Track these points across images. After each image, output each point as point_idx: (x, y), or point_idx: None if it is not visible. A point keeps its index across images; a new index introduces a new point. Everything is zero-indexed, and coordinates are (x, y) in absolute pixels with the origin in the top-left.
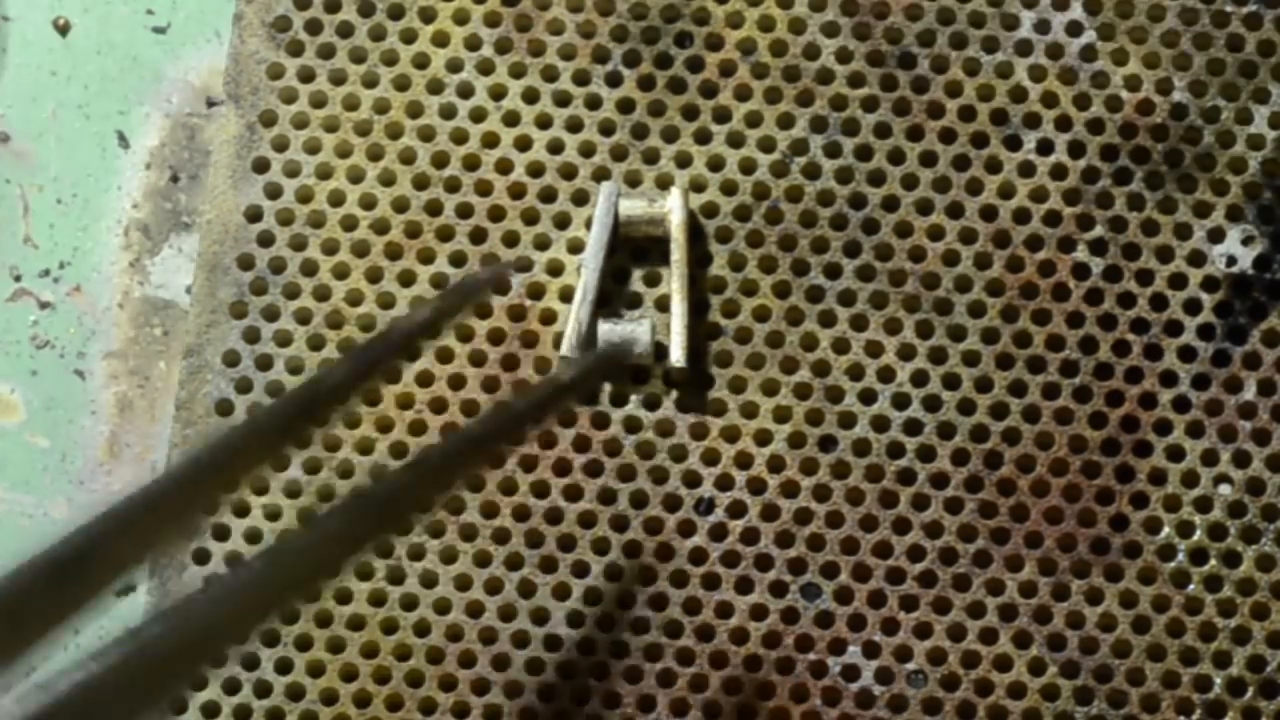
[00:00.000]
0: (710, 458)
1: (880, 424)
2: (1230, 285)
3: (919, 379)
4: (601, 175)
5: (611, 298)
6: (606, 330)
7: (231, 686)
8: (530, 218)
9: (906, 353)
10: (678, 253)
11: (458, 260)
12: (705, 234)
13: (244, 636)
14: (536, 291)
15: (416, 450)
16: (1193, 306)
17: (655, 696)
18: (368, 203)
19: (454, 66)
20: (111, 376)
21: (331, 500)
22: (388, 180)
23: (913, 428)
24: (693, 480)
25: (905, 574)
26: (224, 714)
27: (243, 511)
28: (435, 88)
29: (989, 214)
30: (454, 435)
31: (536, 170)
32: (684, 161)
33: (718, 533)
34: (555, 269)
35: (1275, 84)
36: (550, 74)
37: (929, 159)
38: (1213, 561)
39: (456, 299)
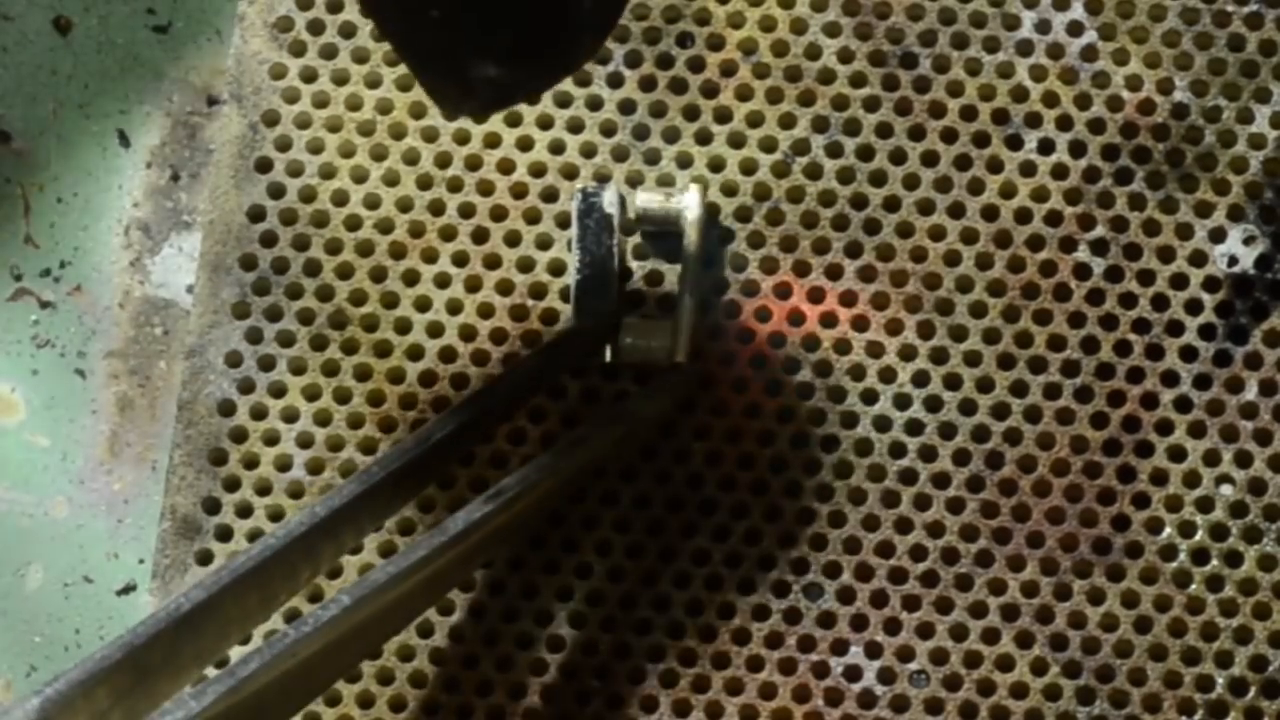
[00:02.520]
0: (713, 458)
1: (882, 424)
2: (1232, 285)
3: (920, 379)
4: (603, 176)
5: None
6: (630, 330)
7: None
8: (532, 217)
9: (908, 353)
10: (690, 249)
11: (460, 260)
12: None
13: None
14: (539, 291)
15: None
16: (1194, 306)
17: (657, 697)
18: (371, 202)
19: None
20: (112, 376)
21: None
22: (391, 180)
23: (914, 428)
24: (695, 480)
25: (907, 574)
26: None
27: (245, 512)
28: None
29: (990, 214)
30: (531, 463)
31: (539, 170)
32: (685, 162)
33: (720, 533)
34: (558, 269)
35: (1277, 83)
36: None
37: (931, 159)
38: (1214, 561)
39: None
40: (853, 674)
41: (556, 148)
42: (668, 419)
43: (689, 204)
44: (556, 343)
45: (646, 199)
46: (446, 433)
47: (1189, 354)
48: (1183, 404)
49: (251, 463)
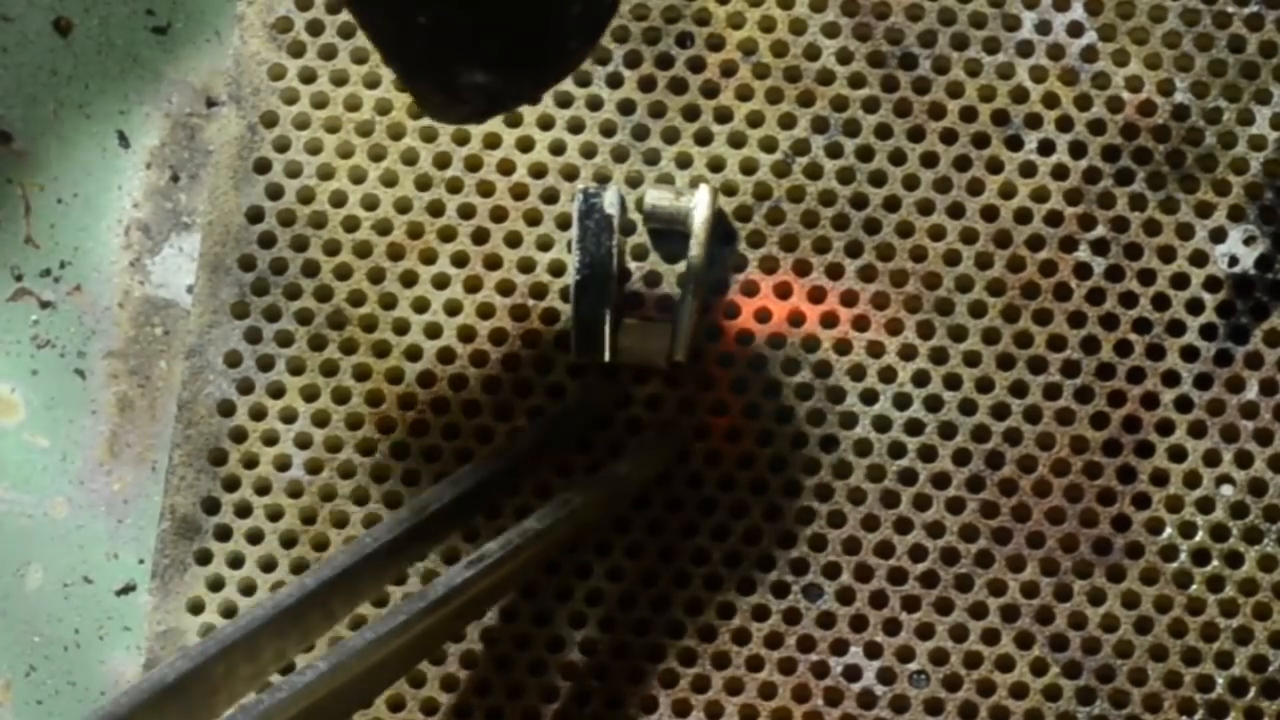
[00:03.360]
0: (713, 457)
1: (882, 424)
2: (1232, 285)
3: (920, 379)
4: (603, 176)
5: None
6: (629, 331)
7: None
8: (533, 219)
9: (908, 353)
10: (696, 249)
11: (460, 261)
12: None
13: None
14: (539, 291)
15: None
16: (1195, 306)
17: (657, 697)
18: (370, 203)
19: None
20: (112, 376)
21: (333, 500)
22: (390, 181)
23: (914, 428)
24: (695, 480)
25: (907, 574)
26: None
27: (245, 512)
28: None
29: (990, 214)
30: (516, 527)
31: (539, 171)
32: (685, 162)
33: (720, 533)
34: (558, 269)
35: (1277, 85)
36: None
37: (930, 159)
38: (1215, 562)
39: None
40: (852, 674)
41: (556, 148)
42: (650, 485)
43: (699, 203)
44: (560, 415)
45: (657, 196)
46: (444, 503)
47: (1190, 354)
48: (1183, 404)
49: (251, 462)
